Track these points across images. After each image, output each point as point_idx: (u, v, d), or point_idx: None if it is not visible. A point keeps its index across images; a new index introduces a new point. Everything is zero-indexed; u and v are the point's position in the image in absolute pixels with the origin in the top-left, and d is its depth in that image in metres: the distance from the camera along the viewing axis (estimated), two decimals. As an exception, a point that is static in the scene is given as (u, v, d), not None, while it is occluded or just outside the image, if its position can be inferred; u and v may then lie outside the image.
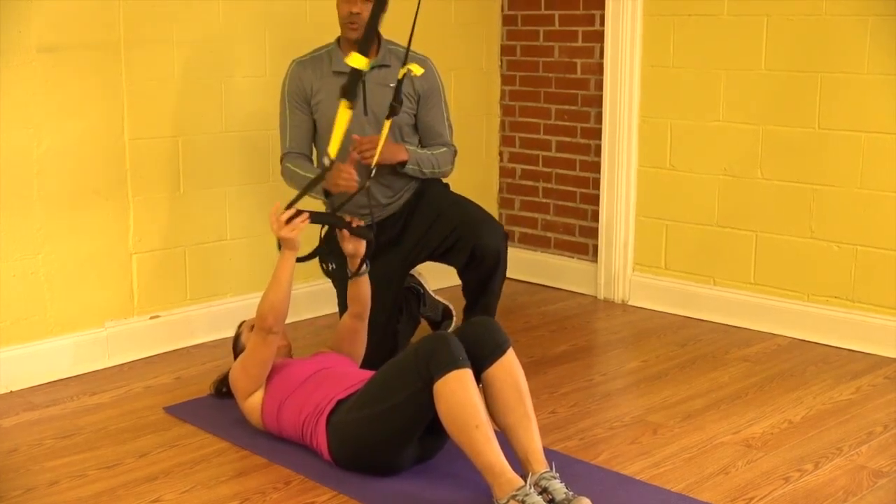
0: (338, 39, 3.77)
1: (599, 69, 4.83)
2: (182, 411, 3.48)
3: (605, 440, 3.26)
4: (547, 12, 5.03)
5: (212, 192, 4.20)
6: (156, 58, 3.95)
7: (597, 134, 4.88)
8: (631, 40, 4.64)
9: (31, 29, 3.60)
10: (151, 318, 4.08)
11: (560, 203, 5.10)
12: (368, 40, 3.36)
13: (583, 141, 4.98)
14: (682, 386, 3.74)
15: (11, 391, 3.67)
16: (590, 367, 4.02)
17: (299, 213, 3.11)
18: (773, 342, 4.24)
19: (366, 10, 3.57)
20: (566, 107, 5.02)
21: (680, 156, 4.60)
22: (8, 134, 3.60)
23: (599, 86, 4.84)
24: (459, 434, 2.74)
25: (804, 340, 4.23)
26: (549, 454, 2.87)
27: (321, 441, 3.01)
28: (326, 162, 3.26)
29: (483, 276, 3.73)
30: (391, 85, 3.62)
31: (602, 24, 4.77)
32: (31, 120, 3.65)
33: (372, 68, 3.61)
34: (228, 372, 3.34)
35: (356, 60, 3.22)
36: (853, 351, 4.09)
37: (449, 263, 3.81)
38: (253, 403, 3.19)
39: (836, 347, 4.14)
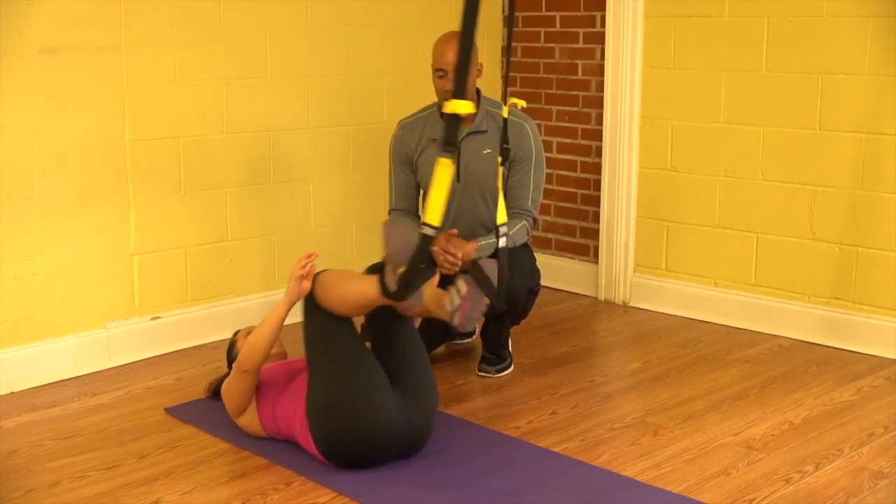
0: (440, 105, 3.74)
1: (600, 70, 4.83)
2: (183, 412, 3.48)
3: (606, 441, 3.26)
4: (548, 14, 5.03)
5: (213, 194, 4.20)
6: (157, 59, 3.95)
7: (598, 135, 4.88)
8: (632, 42, 4.64)
9: (32, 30, 3.60)
10: (152, 319, 4.08)
11: (561, 204, 5.10)
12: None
13: (584, 142, 4.98)
14: (682, 387, 3.74)
15: (12, 392, 3.67)
16: (591, 368, 4.02)
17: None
18: (773, 343, 4.23)
19: None
20: (567, 108, 5.02)
21: (681, 157, 4.60)
22: (9, 135, 3.60)
23: (600, 87, 4.84)
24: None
25: (805, 342, 4.23)
26: (550, 455, 2.86)
27: (310, 444, 3.01)
28: (430, 232, 2.71)
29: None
30: (486, 151, 3.63)
31: (603, 25, 4.77)
32: (32, 121, 3.65)
33: (467, 135, 3.66)
34: (223, 376, 3.35)
35: (455, 106, 2.58)
36: (854, 352, 4.09)
37: None
38: (248, 418, 3.20)
39: (837, 349, 4.14)
